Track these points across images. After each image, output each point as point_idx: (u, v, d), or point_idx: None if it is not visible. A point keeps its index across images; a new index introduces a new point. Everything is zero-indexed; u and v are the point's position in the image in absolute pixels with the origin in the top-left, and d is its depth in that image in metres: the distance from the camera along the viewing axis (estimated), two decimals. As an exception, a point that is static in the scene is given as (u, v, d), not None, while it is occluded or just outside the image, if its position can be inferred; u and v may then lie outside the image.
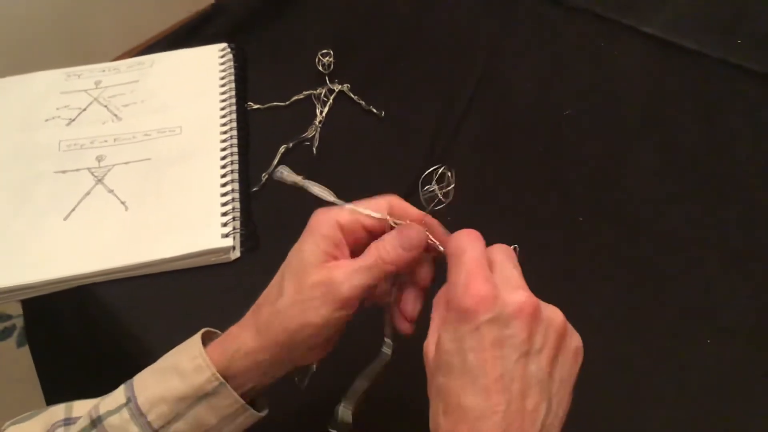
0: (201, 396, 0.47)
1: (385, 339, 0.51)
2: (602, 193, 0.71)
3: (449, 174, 0.47)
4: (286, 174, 0.50)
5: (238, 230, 0.68)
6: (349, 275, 0.45)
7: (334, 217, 0.48)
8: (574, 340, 0.43)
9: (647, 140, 0.75)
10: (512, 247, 0.47)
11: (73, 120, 0.79)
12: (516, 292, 0.41)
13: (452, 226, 0.69)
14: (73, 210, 0.70)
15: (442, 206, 0.48)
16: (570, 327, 0.43)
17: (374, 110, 0.80)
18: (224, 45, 0.86)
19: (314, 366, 0.53)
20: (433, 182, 0.47)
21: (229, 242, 0.67)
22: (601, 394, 0.58)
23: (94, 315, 0.68)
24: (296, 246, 0.48)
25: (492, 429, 0.39)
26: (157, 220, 0.69)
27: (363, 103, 0.81)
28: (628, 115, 0.78)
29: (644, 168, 0.73)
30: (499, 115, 0.79)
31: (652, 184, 0.72)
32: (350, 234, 0.48)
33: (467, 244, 0.44)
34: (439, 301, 0.44)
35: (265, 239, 0.69)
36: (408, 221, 0.48)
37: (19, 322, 1.46)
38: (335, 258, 0.47)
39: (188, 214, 0.69)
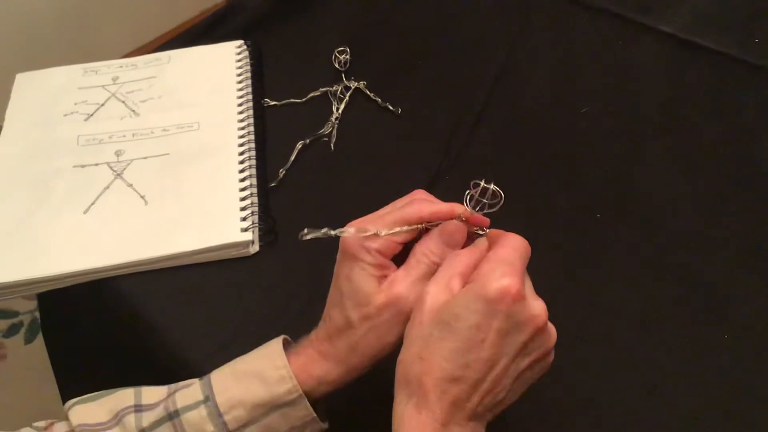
0: (278, 405, 0.48)
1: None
2: (619, 190, 0.72)
3: (493, 189, 0.50)
4: (310, 234, 0.49)
5: (257, 225, 0.69)
6: (411, 288, 0.47)
7: (370, 246, 0.48)
8: (552, 355, 0.47)
9: (665, 138, 0.76)
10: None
11: (91, 115, 0.79)
12: (539, 302, 0.45)
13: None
14: (93, 204, 0.70)
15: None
16: (552, 352, 0.47)
17: (391, 107, 0.80)
18: (241, 42, 0.87)
19: None
20: (486, 196, 0.50)
21: (248, 236, 0.67)
22: (618, 392, 0.58)
23: (112, 308, 0.68)
24: (342, 274, 0.49)
25: (456, 394, 0.43)
26: (177, 214, 0.69)
27: (379, 100, 0.81)
28: (645, 114, 0.78)
29: (662, 166, 0.73)
30: (516, 112, 0.79)
31: (669, 182, 0.72)
32: (388, 250, 0.49)
33: (521, 246, 0.47)
34: (457, 261, 0.47)
35: (283, 234, 0.70)
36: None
37: (27, 319, 1.46)
38: (386, 276, 0.48)
39: (207, 209, 0.69)
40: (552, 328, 0.46)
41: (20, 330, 1.46)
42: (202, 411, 0.48)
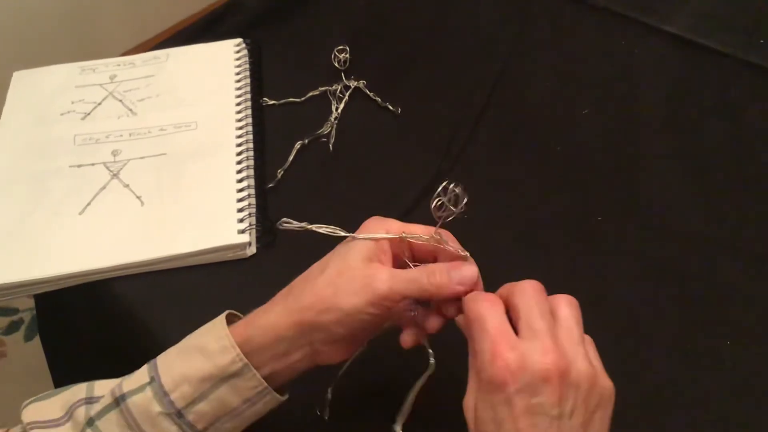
0: (225, 377, 0.47)
1: (429, 350, 0.51)
2: (621, 192, 0.71)
3: (457, 191, 0.47)
4: (288, 225, 0.50)
5: (254, 226, 0.68)
6: (392, 278, 0.46)
7: (387, 228, 0.49)
8: (606, 387, 0.43)
9: (667, 140, 0.75)
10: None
11: (89, 114, 0.78)
12: (544, 356, 0.41)
13: (469, 226, 0.69)
14: (89, 204, 0.69)
15: (451, 218, 0.48)
16: (600, 373, 0.43)
17: (390, 107, 0.79)
18: (240, 40, 0.86)
19: (329, 395, 0.55)
20: (446, 198, 0.47)
21: (245, 238, 0.66)
22: (618, 397, 0.57)
23: (108, 310, 0.67)
24: (346, 241, 0.49)
25: None
26: (173, 215, 0.68)
27: (379, 99, 0.80)
28: (648, 115, 0.77)
29: (664, 168, 0.72)
30: (516, 113, 0.79)
31: (672, 185, 0.71)
32: (397, 247, 0.49)
33: (487, 310, 0.44)
34: (473, 361, 0.44)
35: (281, 235, 0.69)
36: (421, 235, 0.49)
37: (27, 316, 1.46)
38: (381, 262, 0.48)
39: (204, 210, 0.69)
40: (580, 364, 0.42)
41: (20, 327, 1.46)
42: (148, 392, 0.47)
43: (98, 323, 0.72)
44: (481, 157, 0.75)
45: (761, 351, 0.60)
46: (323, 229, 0.49)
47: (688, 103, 0.78)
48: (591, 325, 0.61)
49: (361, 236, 0.48)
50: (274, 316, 0.48)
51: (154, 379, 0.47)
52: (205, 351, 0.47)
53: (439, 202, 0.47)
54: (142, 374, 0.48)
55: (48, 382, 0.84)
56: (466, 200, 0.47)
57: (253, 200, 0.70)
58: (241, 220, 0.68)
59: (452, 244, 0.49)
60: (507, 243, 0.68)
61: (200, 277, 0.67)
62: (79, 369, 0.80)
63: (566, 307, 0.45)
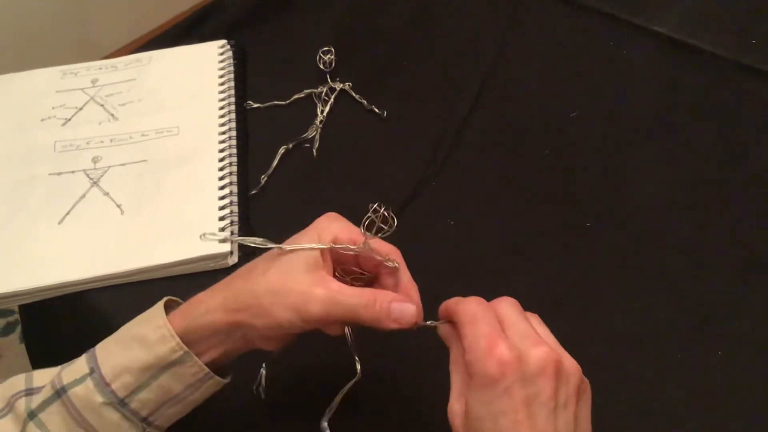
0: (165, 365, 0.47)
1: (355, 357, 0.52)
2: (610, 197, 0.70)
3: (387, 215, 0.48)
4: (211, 237, 0.54)
5: (236, 235, 0.67)
6: (328, 300, 0.46)
7: (336, 231, 0.49)
8: (586, 381, 0.44)
9: (657, 143, 0.73)
10: None
11: (69, 120, 0.77)
12: (537, 349, 0.42)
13: (456, 231, 0.68)
14: (68, 214, 0.68)
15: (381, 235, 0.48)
16: (582, 376, 0.44)
17: (376, 110, 0.78)
18: (224, 42, 0.84)
19: (263, 373, 0.56)
20: (376, 225, 0.48)
21: (226, 247, 0.65)
22: (608, 408, 0.56)
23: (90, 320, 0.66)
24: (299, 235, 0.50)
25: None
26: (153, 224, 0.67)
27: (365, 102, 0.79)
28: (637, 117, 0.76)
29: (654, 172, 0.71)
30: (504, 116, 0.77)
31: (662, 189, 0.70)
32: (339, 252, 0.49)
33: (479, 311, 0.45)
34: (456, 366, 0.45)
35: (263, 244, 0.68)
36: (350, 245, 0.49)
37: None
38: (321, 264, 0.48)
39: (185, 219, 0.67)
40: (569, 361, 0.43)
41: (16, 329, 1.45)
42: (89, 384, 0.47)
43: (81, 333, 0.71)
44: (467, 160, 0.73)
45: (753, 360, 0.59)
46: (249, 241, 0.51)
47: (678, 105, 0.76)
48: (579, 333, 0.61)
49: (288, 247, 0.48)
50: (212, 310, 0.48)
51: (94, 370, 0.47)
52: (144, 340, 0.48)
53: (367, 221, 0.48)
54: (81, 365, 0.48)
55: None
56: (395, 223, 0.48)
57: (235, 208, 0.69)
58: (222, 229, 0.66)
59: (381, 252, 0.49)
60: (494, 248, 0.67)
61: (182, 287, 0.64)
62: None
63: (533, 316, 0.47)
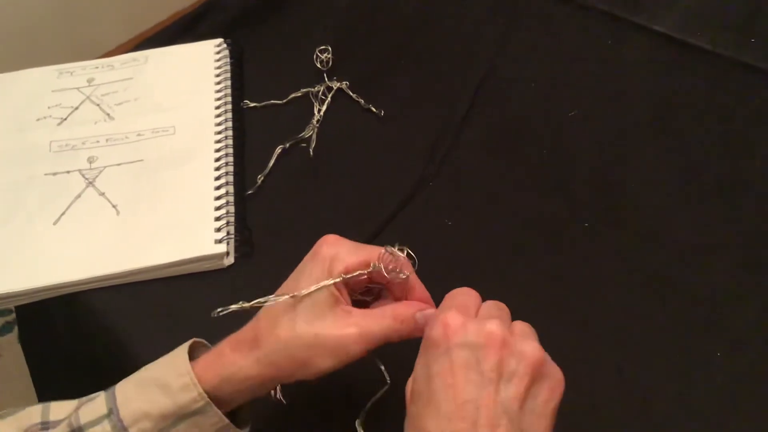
0: (186, 414, 0.46)
1: (382, 367, 0.52)
2: (609, 197, 0.69)
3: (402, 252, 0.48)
4: (224, 312, 0.49)
5: (232, 236, 0.66)
6: (363, 338, 0.46)
7: (344, 259, 0.48)
8: (553, 373, 0.42)
9: (656, 142, 0.73)
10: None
11: (65, 119, 0.76)
12: (488, 322, 0.41)
13: (453, 231, 0.68)
14: (63, 214, 0.68)
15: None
16: (549, 361, 0.42)
17: (374, 109, 0.78)
18: (220, 40, 0.84)
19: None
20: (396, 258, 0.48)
21: (222, 248, 0.65)
22: (605, 410, 0.56)
23: (85, 321, 0.66)
24: (305, 272, 0.48)
25: None
26: (149, 225, 0.67)
27: (362, 101, 0.78)
28: (636, 117, 0.75)
29: (653, 172, 0.70)
30: (502, 115, 0.77)
31: (661, 189, 0.69)
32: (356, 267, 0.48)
33: (457, 293, 0.45)
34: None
35: (260, 245, 0.67)
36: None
37: (21, 317, 1.45)
38: (340, 298, 0.47)
39: (180, 219, 0.67)
40: (528, 345, 0.41)
41: (14, 328, 1.45)
42: (106, 426, 0.46)
43: (77, 334, 0.71)
44: (466, 160, 0.73)
45: (753, 361, 0.58)
46: (259, 302, 0.48)
47: (678, 104, 0.76)
48: (577, 333, 0.61)
49: (303, 293, 0.47)
50: (247, 369, 0.47)
51: (112, 412, 0.46)
52: (165, 387, 0.47)
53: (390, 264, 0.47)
54: (99, 404, 0.47)
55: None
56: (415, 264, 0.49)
57: (231, 208, 0.68)
58: (218, 230, 0.66)
59: (390, 269, 0.48)
60: (492, 248, 0.67)
61: (177, 288, 0.65)
62: (60, 379, 0.79)
63: (520, 322, 0.45)
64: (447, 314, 0.42)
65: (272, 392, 0.55)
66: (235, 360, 0.47)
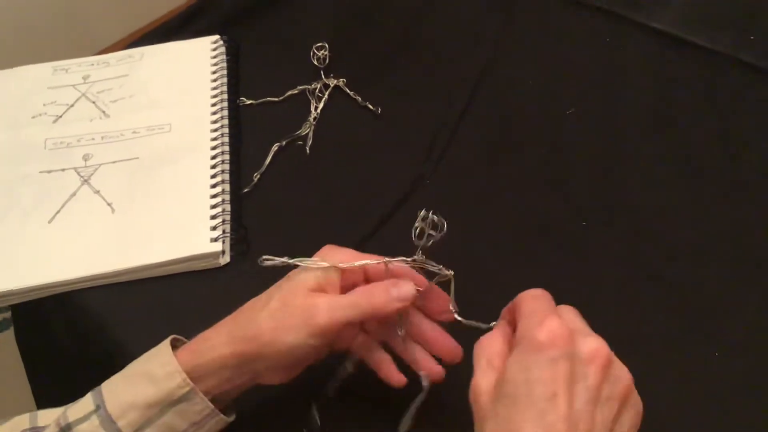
0: (171, 402, 0.47)
1: (420, 373, 0.51)
2: (607, 195, 0.69)
3: (435, 218, 0.48)
4: (269, 262, 0.51)
5: (228, 234, 0.66)
6: (331, 307, 0.47)
7: (340, 258, 0.49)
8: (638, 402, 0.42)
9: (655, 140, 0.73)
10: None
11: (60, 117, 0.76)
12: (590, 338, 0.41)
13: (451, 230, 0.67)
14: (58, 212, 0.67)
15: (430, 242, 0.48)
16: (634, 388, 0.42)
17: (371, 107, 0.77)
18: (216, 37, 0.84)
19: (316, 417, 0.54)
20: (428, 227, 0.48)
21: (217, 247, 0.64)
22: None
23: (80, 322, 0.65)
24: (299, 269, 0.50)
25: None
26: (144, 223, 0.66)
27: (359, 98, 0.78)
28: (634, 114, 0.75)
29: (651, 170, 0.70)
30: (500, 113, 0.76)
31: (659, 187, 0.69)
32: (350, 276, 0.50)
33: (540, 294, 0.44)
34: (487, 343, 0.44)
35: (255, 243, 0.67)
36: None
37: (18, 313, 1.44)
38: (326, 291, 0.48)
39: (176, 218, 0.67)
40: (620, 367, 0.41)
41: (11, 326, 1.44)
42: (94, 421, 0.47)
43: (72, 333, 0.70)
44: (463, 158, 0.73)
45: (749, 361, 0.58)
46: (306, 262, 0.49)
47: (676, 102, 0.75)
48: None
49: (344, 265, 0.48)
50: (219, 345, 0.48)
51: (99, 407, 0.47)
52: (151, 377, 0.48)
53: (419, 230, 0.47)
54: (86, 402, 0.48)
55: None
56: (446, 226, 0.48)
57: (227, 206, 0.68)
58: (213, 228, 0.66)
59: (432, 265, 0.50)
60: (489, 247, 0.66)
61: (173, 287, 0.65)
62: (56, 378, 0.79)
63: None
64: (552, 320, 0.40)
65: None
66: (209, 336, 0.49)
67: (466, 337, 0.47)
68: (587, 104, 0.76)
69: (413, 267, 0.50)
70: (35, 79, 0.80)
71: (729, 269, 0.63)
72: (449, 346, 0.51)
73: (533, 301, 0.43)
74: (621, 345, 0.58)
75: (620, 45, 0.81)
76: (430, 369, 0.50)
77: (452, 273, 0.50)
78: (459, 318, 0.49)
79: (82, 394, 0.51)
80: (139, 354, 0.60)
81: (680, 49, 0.79)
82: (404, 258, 0.49)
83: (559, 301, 0.62)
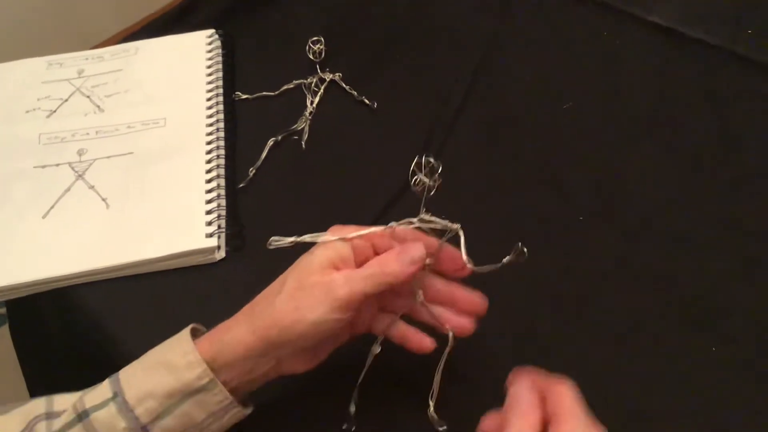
0: (191, 392, 0.47)
1: (448, 328, 0.51)
2: (604, 191, 0.68)
3: (433, 163, 0.49)
4: (277, 243, 0.51)
5: (223, 229, 0.66)
6: (349, 280, 0.47)
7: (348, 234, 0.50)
8: None
9: (651, 135, 0.72)
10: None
11: (54, 111, 0.76)
12: None
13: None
14: (52, 208, 0.67)
15: (431, 193, 0.49)
16: None
17: (367, 101, 0.77)
18: (212, 31, 0.83)
19: (353, 408, 0.54)
20: (422, 172, 0.49)
21: (213, 242, 0.64)
22: (600, 404, 0.56)
23: (75, 317, 0.65)
24: (308, 251, 0.50)
25: None
26: (139, 218, 0.66)
27: (355, 93, 0.78)
28: (631, 109, 0.75)
29: (648, 165, 0.70)
30: (496, 108, 0.76)
31: (656, 182, 0.69)
32: (361, 253, 0.49)
33: (526, 393, 0.44)
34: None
35: (251, 238, 0.67)
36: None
37: (14, 308, 1.44)
38: (339, 269, 0.48)
39: (171, 213, 0.66)
40: None
41: (6, 322, 1.44)
42: (112, 408, 0.46)
43: (66, 330, 0.70)
44: (459, 153, 0.72)
45: (747, 357, 0.58)
46: (310, 237, 0.50)
47: (673, 97, 0.75)
48: (572, 330, 0.60)
49: (352, 235, 0.48)
50: (240, 334, 0.48)
51: (117, 395, 0.47)
52: (170, 366, 0.47)
53: (415, 177, 0.49)
54: (104, 389, 0.48)
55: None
56: (440, 169, 0.49)
57: (222, 201, 0.68)
58: (209, 223, 0.65)
59: (438, 220, 0.50)
60: (486, 243, 0.66)
61: (168, 282, 0.64)
62: (51, 373, 0.79)
63: None
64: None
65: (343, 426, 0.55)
66: (230, 326, 0.49)
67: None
68: (584, 98, 0.75)
69: (421, 228, 0.50)
70: (29, 73, 0.80)
71: (727, 265, 0.63)
72: (472, 298, 0.51)
73: (517, 405, 0.43)
74: (619, 340, 0.59)
75: (617, 39, 0.80)
76: (456, 324, 0.51)
77: (459, 226, 0.49)
78: (473, 267, 0.49)
79: (77, 389, 0.51)
80: (134, 349, 0.60)
81: (677, 43, 0.79)
82: (410, 219, 0.49)
83: (557, 298, 0.62)
